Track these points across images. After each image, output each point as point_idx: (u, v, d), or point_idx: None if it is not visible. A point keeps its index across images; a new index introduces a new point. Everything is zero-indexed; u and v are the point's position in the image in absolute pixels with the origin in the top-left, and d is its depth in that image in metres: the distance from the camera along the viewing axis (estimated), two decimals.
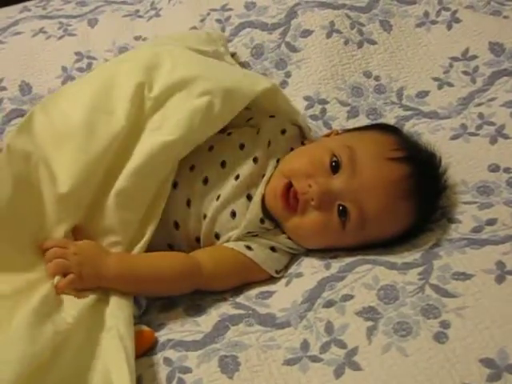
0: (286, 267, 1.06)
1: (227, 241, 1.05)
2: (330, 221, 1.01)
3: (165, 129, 1.02)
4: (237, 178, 1.05)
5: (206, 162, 1.07)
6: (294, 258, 1.07)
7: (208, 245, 1.06)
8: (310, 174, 1.02)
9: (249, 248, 1.04)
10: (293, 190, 1.02)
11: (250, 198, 1.05)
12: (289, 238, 1.06)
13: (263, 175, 1.06)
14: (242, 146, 1.08)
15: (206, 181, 1.06)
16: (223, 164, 1.07)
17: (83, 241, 0.98)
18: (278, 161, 1.07)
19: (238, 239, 1.05)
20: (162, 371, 0.90)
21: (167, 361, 0.91)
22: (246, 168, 1.06)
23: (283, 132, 1.10)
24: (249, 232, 1.05)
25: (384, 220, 1.01)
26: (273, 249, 1.05)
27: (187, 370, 0.89)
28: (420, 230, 1.04)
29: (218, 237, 1.05)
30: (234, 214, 1.04)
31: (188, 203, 1.05)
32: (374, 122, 1.23)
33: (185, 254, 1.03)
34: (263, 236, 1.06)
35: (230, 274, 1.03)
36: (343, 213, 1.01)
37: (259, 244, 1.05)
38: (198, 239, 1.06)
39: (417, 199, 1.02)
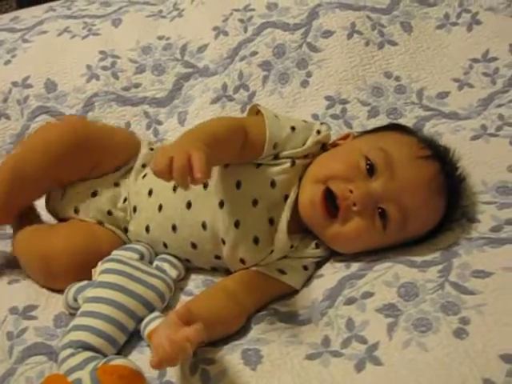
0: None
1: (255, 265, 1.02)
2: (373, 225, 0.99)
3: None
4: (255, 203, 1.01)
5: (221, 181, 1.02)
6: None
7: (234, 268, 1.03)
8: (348, 178, 0.99)
9: (282, 272, 1.01)
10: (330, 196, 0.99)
11: (272, 222, 1.02)
12: (317, 247, 1.04)
13: (286, 196, 1.02)
14: (258, 165, 1.03)
15: (221, 204, 1.02)
16: (238, 185, 1.02)
17: None
18: (300, 179, 1.03)
19: (267, 263, 1.02)
20: (186, 362, 0.90)
21: None
22: (263, 191, 1.01)
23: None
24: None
25: (423, 217, 1.01)
26: (305, 267, 1.03)
27: (211, 362, 0.90)
28: (441, 230, 1.05)
29: (243, 262, 1.02)
30: (256, 241, 1.01)
31: (203, 225, 1.03)
32: (387, 123, 1.21)
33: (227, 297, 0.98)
34: (293, 255, 1.03)
35: (259, 303, 1.00)
36: (383, 215, 1.00)
37: (292, 266, 1.02)
38: (217, 257, 1.05)
39: (447, 194, 1.03)
